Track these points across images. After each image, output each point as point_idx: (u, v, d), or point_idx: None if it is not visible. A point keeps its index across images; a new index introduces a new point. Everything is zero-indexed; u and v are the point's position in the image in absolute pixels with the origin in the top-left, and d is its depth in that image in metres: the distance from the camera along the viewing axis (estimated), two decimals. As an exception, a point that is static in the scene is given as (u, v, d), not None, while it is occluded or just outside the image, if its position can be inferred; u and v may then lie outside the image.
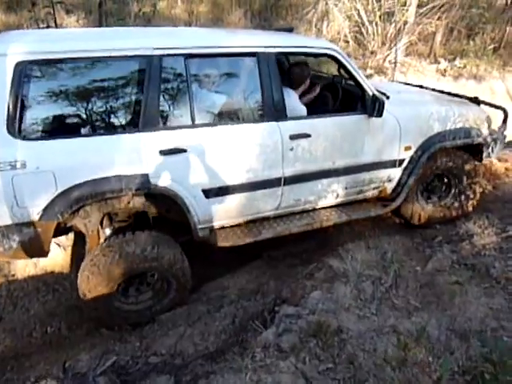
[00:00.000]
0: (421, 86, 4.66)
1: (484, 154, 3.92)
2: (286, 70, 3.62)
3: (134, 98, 2.67)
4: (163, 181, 2.71)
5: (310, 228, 3.34)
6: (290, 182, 3.13)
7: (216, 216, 3.02)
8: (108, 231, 2.95)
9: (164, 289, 3.00)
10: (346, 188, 3.42)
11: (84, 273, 2.72)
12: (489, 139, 3.90)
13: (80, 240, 3.30)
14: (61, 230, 2.87)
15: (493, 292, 2.79)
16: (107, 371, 2.41)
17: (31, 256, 2.70)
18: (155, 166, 2.67)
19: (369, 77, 6.92)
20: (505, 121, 3.98)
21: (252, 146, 2.93)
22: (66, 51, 2.45)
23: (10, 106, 2.33)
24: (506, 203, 4.57)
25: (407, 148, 3.51)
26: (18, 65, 2.33)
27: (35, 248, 2.59)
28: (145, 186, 2.66)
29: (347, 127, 3.24)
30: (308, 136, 3.06)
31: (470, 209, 4.05)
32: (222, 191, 2.93)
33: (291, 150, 3.02)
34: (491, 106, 4.07)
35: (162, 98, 2.69)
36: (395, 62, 7.19)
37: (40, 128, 2.49)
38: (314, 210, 3.44)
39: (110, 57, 2.55)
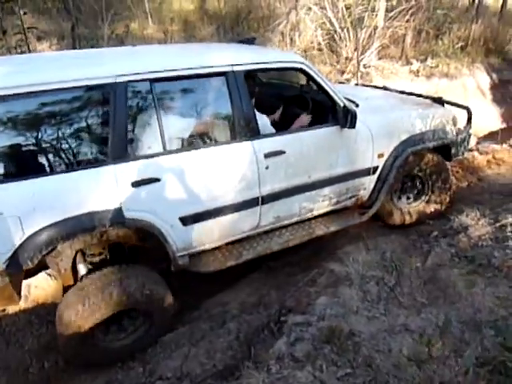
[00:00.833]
0: (385, 88, 4.73)
1: (452, 153, 3.98)
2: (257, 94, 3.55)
3: (99, 129, 2.55)
4: (138, 213, 2.60)
5: (292, 244, 3.29)
6: (268, 201, 3.08)
7: (195, 242, 2.93)
8: (82, 268, 2.76)
9: (146, 322, 2.86)
10: (323, 200, 3.39)
11: (60, 313, 2.57)
12: (456, 139, 3.96)
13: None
14: (35, 270, 2.69)
15: (497, 281, 2.78)
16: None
17: (1, 305, 2.55)
18: (128, 199, 2.55)
19: (347, 81, 7.02)
20: (469, 120, 4.06)
21: (227, 168, 2.86)
22: (18, 86, 2.26)
23: None
24: (493, 194, 4.64)
25: (380, 155, 3.52)
26: None
27: (4, 297, 2.41)
28: (119, 221, 2.53)
29: (320, 140, 3.21)
30: (282, 153, 3.01)
31: (444, 208, 4.10)
32: (200, 217, 2.84)
33: (267, 168, 2.96)
34: (455, 105, 4.14)
35: (129, 126, 2.57)
36: (358, 66, 7.30)
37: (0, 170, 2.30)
38: (293, 225, 3.39)
39: (69, 88, 2.38)
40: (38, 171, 2.39)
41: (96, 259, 2.89)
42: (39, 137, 2.40)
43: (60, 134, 2.43)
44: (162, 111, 2.66)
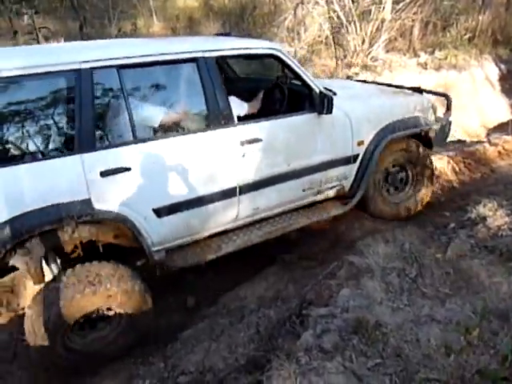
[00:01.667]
0: (364, 81, 4.77)
1: (433, 140, 3.95)
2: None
3: (65, 117, 2.46)
4: (107, 205, 2.49)
5: (272, 236, 3.23)
6: (246, 191, 3.01)
7: (171, 236, 2.83)
8: (54, 267, 2.65)
9: (123, 324, 2.72)
10: (304, 190, 3.33)
11: (29, 314, 2.46)
12: (435, 126, 3.94)
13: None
14: (3, 270, 2.60)
15: (520, 270, 2.75)
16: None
17: None
18: (97, 190, 2.44)
19: (355, 75, 6.98)
20: (448, 107, 4.04)
21: (201, 157, 2.78)
22: None
23: None
24: (507, 185, 4.61)
25: (360, 143, 3.47)
26: None
27: None
28: (87, 213, 2.41)
29: (298, 127, 3.16)
30: (259, 140, 2.95)
31: (427, 198, 4.11)
32: (175, 208, 2.75)
33: (243, 156, 2.90)
34: (433, 93, 4.18)
35: (96, 115, 2.49)
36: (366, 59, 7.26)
37: None
38: (274, 216, 3.34)
39: (32, 74, 2.29)
40: None
41: (69, 258, 2.76)
42: (1, 125, 2.30)
43: (23, 123, 2.36)
44: (130, 99, 2.59)
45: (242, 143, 2.88)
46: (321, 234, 3.83)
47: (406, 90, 4.14)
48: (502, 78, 8.81)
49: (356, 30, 7.69)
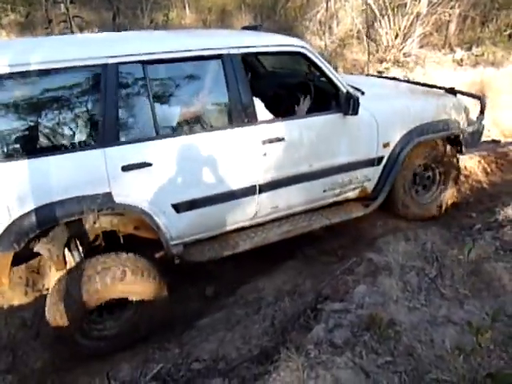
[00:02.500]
0: (395, 79, 4.59)
1: (464, 145, 3.79)
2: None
3: (90, 112, 2.49)
4: (128, 199, 2.53)
5: (291, 235, 3.19)
6: (266, 189, 2.98)
7: (189, 231, 2.85)
8: (76, 255, 2.70)
9: (139, 312, 2.76)
10: (325, 191, 3.27)
11: (51, 299, 2.52)
12: (467, 130, 3.78)
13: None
14: (29, 255, 2.71)
15: (544, 276, 2.66)
16: (153, 380, 2.34)
17: None
18: (118, 184, 2.48)
19: (386, 70, 6.85)
20: (482, 110, 3.86)
21: (222, 154, 2.77)
22: (10, 65, 2.22)
23: None
24: (542, 188, 4.43)
25: (385, 145, 3.37)
26: None
27: None
28: (108, 206, 2.46)
29: (322, 128, 3.10)
30: (281, 140, 2.91)
31: (453, 199, 4.01)
32: (194, 204, 2.76)
33: (264, 155, 2.87)
34: (468, 95, 3.98)
35: (120, 109, 2.51)
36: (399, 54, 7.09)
37: None
38: (293, 215, 3.29)
39: (59, 68, 2.34)
40: (25, 153, 2.32)
41: (91, 246, 2.83)
42: (28, 119, 2.35)
43: (51, 116, 2.40)
44: (155, 94, 2.61)
45: (264, 142, 2.86)
46: (342, 230, 3.79)
47: (439, 90, 3.99)
48: (543, 77, 8.43)
49: (390, 25, 7.53)
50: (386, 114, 3.36)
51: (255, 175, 2.90)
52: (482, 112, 3.86)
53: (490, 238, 3.26)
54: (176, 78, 2.81)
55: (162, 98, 2.71)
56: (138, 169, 2.51)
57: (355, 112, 3.04)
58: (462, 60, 7.99)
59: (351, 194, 3.45)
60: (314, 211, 3.38)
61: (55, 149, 2.40)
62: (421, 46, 8.03)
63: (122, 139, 2.52)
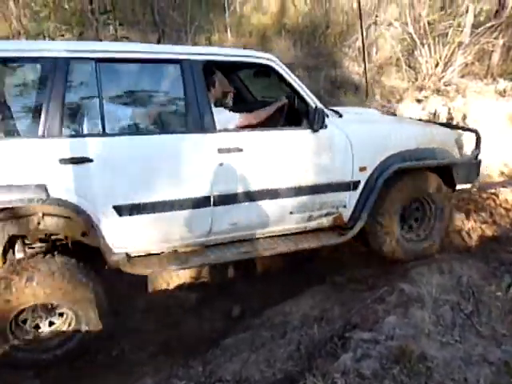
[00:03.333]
0: (393, 114, 4.66)
1: (455, 178, 3.52)
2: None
3: (36, 101, 2.50)
4: (64, 193, 2.43)
5: (251, 256, 3.02)
6: (222, 203, 2.82)
7: (133, 239, 2.72)
8: (19, 255, 2.65)
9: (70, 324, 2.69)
10: (292, 213, 3.07)
11: None
12: (459, 162, 3.56)
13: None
14: None
15: None
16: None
17: None
18: (54, 176, 2.41)
19: (426, 99, 6.77)
20: (478, 144, 3.66)
21: (173, 159, 2.68)
22: None
23: None
24: None
25: (362, 169, 3.17)
26: None
27: None
28: (39, 198, 2.36)
29: (287, 143, 2.97)
30: (240, 150, 2.79)
31: (439, 240, 3.69)
32: (138, 209, 2.62)
33: (220, 165, 2.75)
34: (461, 128, 3.87)
35: (67, 103, 2.49)
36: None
37: None
38: (256, 238, 3.10)
39: (13, 58, 2.46)
40: None
41: (36, 249, 2.77)
42: None
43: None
44: (106, 93, 2.59)
45: (221, 151, 2.75)
46: (373, 257, 3.72)
47: (433, 124, 3.87)
48: None
49: (430, 53, 7.46)
50: (363, 136, 3.20)
51: (209, 185, 2.76)
52: (477, 146, 3.66)
53: (532, 276, 3.12)
54: (131, 79, 2.84)
55: (113, 97, 2.70)
56: (76, 163, 2.45)
57: (320, 126, 2.94)
58: (504, 91, 7.78)
59: (325, 221, 3.24)
60: (282, 235, 3.18)
61: None
62: (462, 76, 7.90)
63: (65, 132, 2.48)
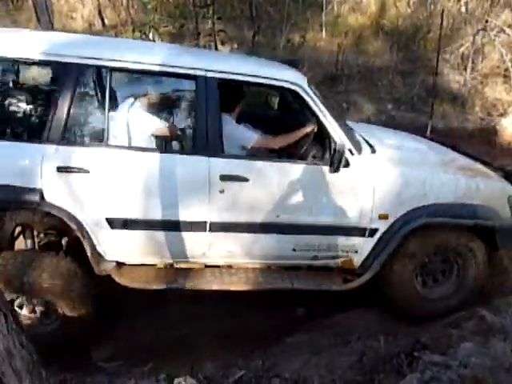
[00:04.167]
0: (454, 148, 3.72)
1: (499, 243, 3.00)
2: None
3: (41, 106, 2.51)
4: (59, 200, 2.46)
5: (239, 288, 2.85)
6: (219, 229, 2.70)
7: (124, 251, 2.70)
8: (28, 244, 2.72)
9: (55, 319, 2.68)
10: (295, 250, 2.86)
11: None
12: (505, 224, 3.00)
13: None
14: None
15: None
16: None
17: None
18: (50, 183, 2.43)
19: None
20: None
21: (172, 180, 2.57)
22: None
23: None
24: None
25: (383, 216, 2.83)
26: None
27: None
28: (34, 201, 2.41)
29: (300, 177, 2.71)
30: (245, 180, 2.63)
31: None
32: (131, 224, 2.60)
33: (221, 192, 2.61)
34: None
35: (72, 111, 2.45)
36: None
37: None
38: (254, 268, 2.96)
39: (23, 60, 2.45)
40: None
41: (43, 241, 2.82)
42: None
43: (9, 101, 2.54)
44: (113, 103, 2.55)
45: (223, 178, 2.60)
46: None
47: (489, 171, 3.27)
48: None
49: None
50: (391, 181, 2.84)
51: (207, 211, 2.65)
52: None
53: None
54: (142, 91, 2.76)
55: (120, 108, 2.65)
56: (74, 173, 2.46)
57: (336, 168, 2.63)
58: None
59: (332, 263, 2.98)
60: (281, 269, 3.02)
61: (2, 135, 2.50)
62: None
63: (66, 140, 2.47)
